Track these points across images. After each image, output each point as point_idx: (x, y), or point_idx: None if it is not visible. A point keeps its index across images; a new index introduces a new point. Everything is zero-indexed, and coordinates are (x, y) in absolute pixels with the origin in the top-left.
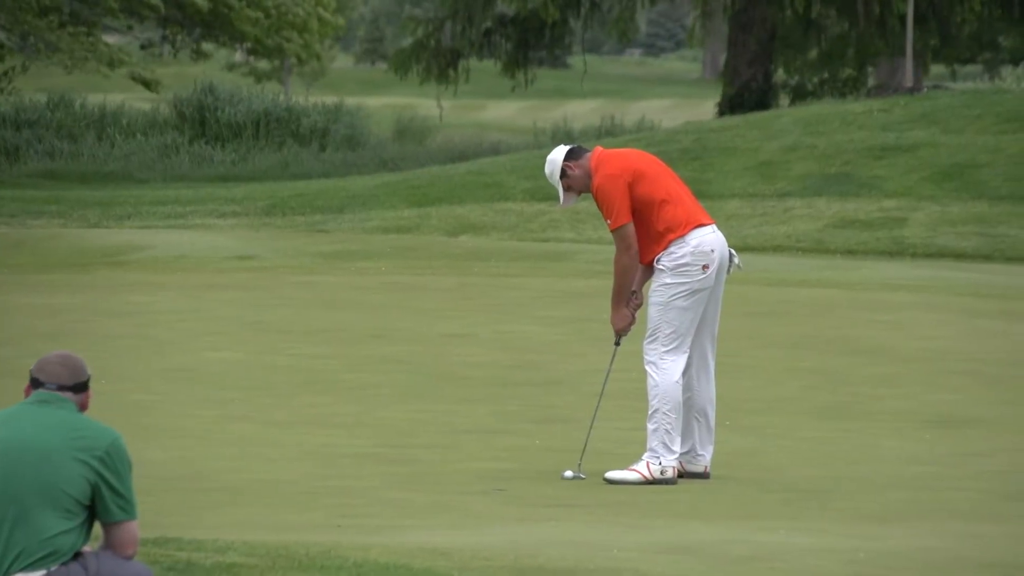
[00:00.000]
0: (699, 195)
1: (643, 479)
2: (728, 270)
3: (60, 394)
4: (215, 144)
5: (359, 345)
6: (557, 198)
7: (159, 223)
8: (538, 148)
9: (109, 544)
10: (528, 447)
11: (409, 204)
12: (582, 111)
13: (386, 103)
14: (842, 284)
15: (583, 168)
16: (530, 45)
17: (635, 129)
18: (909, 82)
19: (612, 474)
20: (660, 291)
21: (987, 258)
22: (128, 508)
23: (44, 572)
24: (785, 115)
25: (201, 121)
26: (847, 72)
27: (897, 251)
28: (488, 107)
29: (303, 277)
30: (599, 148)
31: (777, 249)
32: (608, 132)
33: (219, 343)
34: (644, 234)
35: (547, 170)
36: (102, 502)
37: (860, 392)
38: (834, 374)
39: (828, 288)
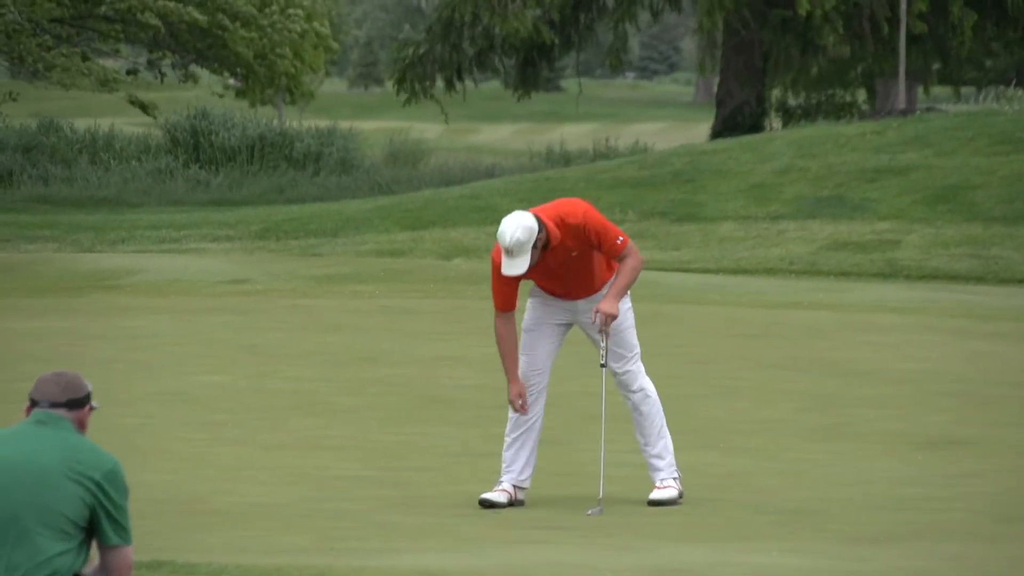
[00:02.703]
0: (692, 218)
1: (679, 493)
2: None
3: (54, 412)
4: (209, 168)
5: (351, 368)
6: (514, 266)
7: (153, 247)
8: (532, 171)
9: (104, 567)
10: None
11: (402, 227)
12: (576, 134)
13: (379, 127)
14: (835, 306)
15: (549, 225)
16: (535, 64)
17: (629, 152)
18: (902, 104)
19: (657, 495)
20: (628, 315)
21: (980, 280)
22: (123, 534)
23: None
24: (778, 138)
25: (195, 146)
26: (851, 97)
27: (890, 273)
28: (482, 130)
29: (296, 300)
30: (540, 207)
31: (770, 271)
32: (602, 155)
33: (212, 366)
34: (601, 265)
35: (522, 236)
36: (98, 525)
37: (852, 414)
38: (827, 396)
39: (821, 310)
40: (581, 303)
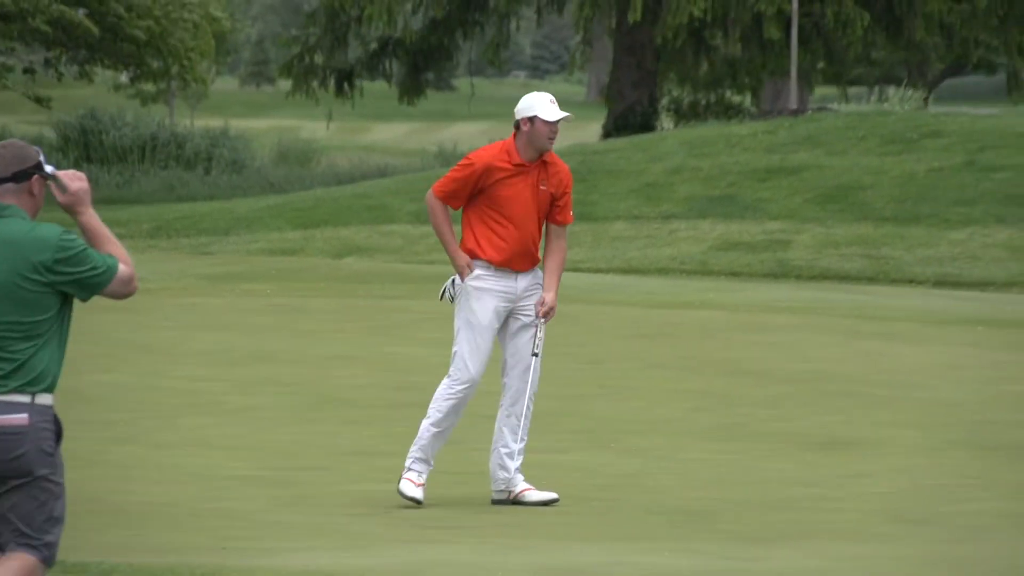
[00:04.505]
0: (584, 217)
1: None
2: None
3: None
4: (100, 167)
5: (243, 367)
6: (560, 111)
7: None
8: (423, 170)
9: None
10: None
11: (294, 226)
12: (468, 133)
13: (271, 125)
14: (726, 306)
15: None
16: (420, 68)
17: None
18: (793, 104)
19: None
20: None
21: (871, 280)
22: (92, 286)
23: (28, 398)
24: (670, 137)
25: (85, 144)
26: (736, 97)
27: (781, 273)
28: (373, 129)
29: (187, 299)
30: None
31: (662, 271)
32: None
33: (104, 365)
34: (539, 236)
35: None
36: (74, 291)
37: (744, 413)
38: (719, 396)
39: (712, 310)
40: (521, 282)
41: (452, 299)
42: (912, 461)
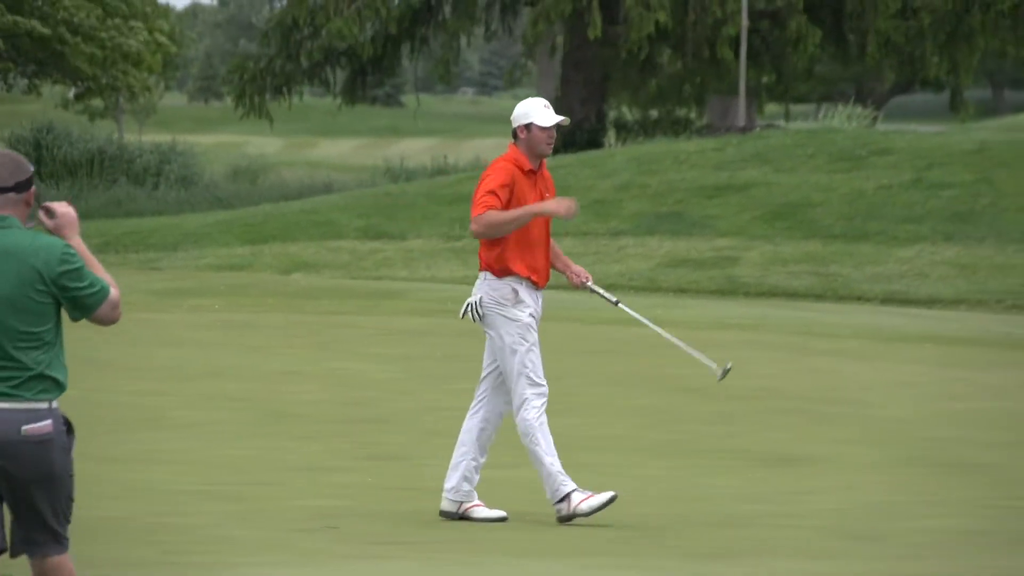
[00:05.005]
0: None
1: None
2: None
3: (2, 208)
4: (49, 182)
5: (192, 382)
6: (555, 116)
7: None
8: (371, 186)
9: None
10: (360, 484)
11: (242, 242)
12: (416, 149)
13: (219, 140)
14: (674, 323)
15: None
16: (366, 74)
17: (468, 168)
18: (741, 121)
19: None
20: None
21: (819, 297)
22: (86, 309)
23: (47, 404)
24: (618, 154)
25: (37, 159)
26: (683, 112)
27: (729, 290)
28: (320, 145)
29: (137, 314)
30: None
31: (610, 287)
32: (441, 171)
33: None
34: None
35: (544, 102)
36: (68, 308)
37: (692, 430)
38: (666, 412)
39: (661, 326)
40: (540, 300)
41: (476, 319)
42: (860, 478)
